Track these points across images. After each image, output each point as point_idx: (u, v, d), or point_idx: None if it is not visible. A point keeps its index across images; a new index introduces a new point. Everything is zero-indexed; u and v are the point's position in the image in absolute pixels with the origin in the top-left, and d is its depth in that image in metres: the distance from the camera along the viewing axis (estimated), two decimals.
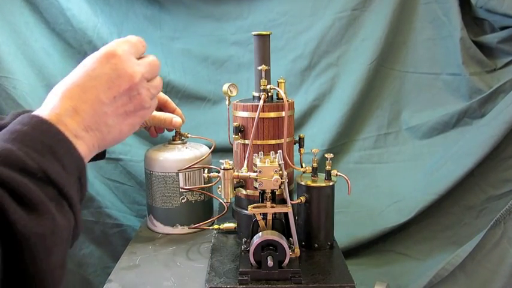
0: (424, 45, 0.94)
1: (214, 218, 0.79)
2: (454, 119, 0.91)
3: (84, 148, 0.36)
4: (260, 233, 0.61)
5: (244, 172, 0.62)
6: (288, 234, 0.63)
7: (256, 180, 0.60)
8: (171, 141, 0.81)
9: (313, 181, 0.68)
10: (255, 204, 0.63)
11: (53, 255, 0.30)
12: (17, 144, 0.31)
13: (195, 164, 0.76)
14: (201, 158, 0.77)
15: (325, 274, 0.61)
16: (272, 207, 0.62)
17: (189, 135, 0.83)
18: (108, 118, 0.38)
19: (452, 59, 0.91)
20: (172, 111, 0.77)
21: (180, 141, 0.81)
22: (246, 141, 0.69)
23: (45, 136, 0.33)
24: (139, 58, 0.41)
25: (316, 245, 0.69)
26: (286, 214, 0.63)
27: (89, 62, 0.39)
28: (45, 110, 0.36)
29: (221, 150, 0.92)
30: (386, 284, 0.67)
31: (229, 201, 0.63)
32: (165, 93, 0.87)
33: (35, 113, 0.35)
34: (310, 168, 0.69)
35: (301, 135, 0.72)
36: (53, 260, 0.30)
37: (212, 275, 0.62)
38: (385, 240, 0.92)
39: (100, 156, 0.66)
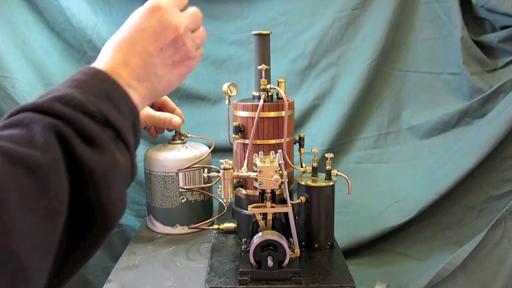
0: (425, 45, 0.94)
1: (214, 218, 0.79)
2: (454, 118, 0.91)
3: (137, 97, 0.39)
4: (260, 233, 0.61)
5: (244, 172, 0.62)
6: (288, 234, 0.63)
7: (256, 180, 0.60)
8: (171, 141, 0.81)
9: (313, 181, 0.68)
10: (255, 204, 0.63)
11: (113, 188, 0.32)
12: (78, 90, 0.33)
13: (194, 163, 0.76)
14: (200, 157, 0.77)
15: (325, 274, 0.61)
16: (272, 207, 0.62)
17: (188, 135, 0.83)
18: (157, 69, 0.40)
19: (453, 58, 0.91)
20: (172, 111, 0.77)
21: (179, 141, 0.81)
22: (246, 141, 0.68)
23: (103, 84, 0.35)
24: (182, 10, 0.43)
25: (317, 245, 0.69)
26: (286, 214, 0.62)
27: (136, 17, 0.41)
28: (100, 63, 0.38)
29: (221, 150, 0.92)
30: (387, 284, 0.66)
31: (229, 201, 0.63)
32: None
33: (91, 65, 0.38)
34: (310, 168, 0.69)
35: (301, 135, 0.72)
36: (114, 193, 0.33)
37: (212, 275, 0.62)
38: (385, 240, 0.91)
39: None
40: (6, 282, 0.25)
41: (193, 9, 0.44)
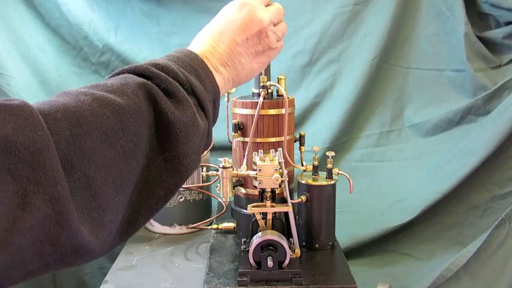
0: (428, 41, 0.93)
1: (212, 218, 0.78)
2: (458, 116, 0.90)
3: (221, 80, 0.44)
4: (260, 233, 0.60)
5: (243, 170, 0.62)
6: (288, 234, 0.62)
7: (255, 178, 0.59)
8: None
9: (314, 180, 0.67)
10: (254, 204, 0.62)
11: (192, 142, 0.36)
12: (172, 62, 0.39)
13: None
14: None
15: (326, 275, 0.61)
16: (272, 206, 0.61)
17: None
18: (242, 57, 0.46)
19: (457, 54, 0.90)
20: None
21: None
22: (246, 139, 0.67)
23: (193, 62, 0.41)
24: (267, 5, 0.48)
25: (317, 245, 0.68)
26: (286, 213, 0.62)
27: (227, 11, 0.47)
28: (192, 47, 0.44)
29: (220, 148, 0.91)
30: (389, 285, 0.66)
31: (228, 200, 0.63)
32: None
33: (186, 48, 0.44)
34: (311, 166, 0.68)
35: (301, 132, 0.71)
36: (191, 146, 0.36)
37: (211, 275, 0.61)
38: (387, 240, 0.90)
39: None
40: (82, 205, 0.28)
41: (277, 6, 0.50)
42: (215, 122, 0.43)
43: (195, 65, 0.40)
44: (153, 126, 0.34)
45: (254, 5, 0.46)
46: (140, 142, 0.33)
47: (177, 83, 0.36)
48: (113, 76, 0.37)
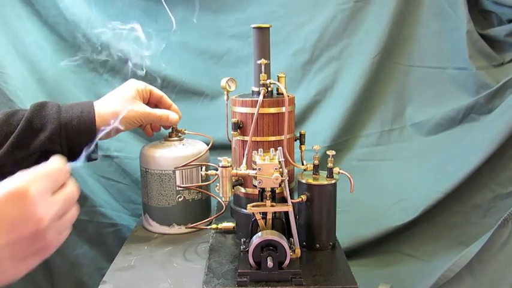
0: (430, 39, 0.92)
1: (212, 218, 0.78)
2: (460, 114, 0.89)
3: None
4: (259, 233, 0.60)
5: (243, 170, 0.61)
6: (288, 234, 0.62)
7: (255, 178, 0.59)
8: (168, 138, 0.80)
9: (314, 179, 0.67)
10: (254, 203, 0.61)
11: None
12: None
13: (192, 161, 0.75)
14: (198, 155, 0.76)
15: (327, 275, 0.60)
16: (272, 206, 0.60)
17: (186, 132, 0.81)
18: (4, 263, 0.35)
19: (459, 52, 0.89)
20: (168, 108, 0.76)
21: (176, 138, 0.79)
22: (245, 138, 0.67)
23: None
24: (57, 190, 0.38)
25: (318, 245, 0.67)
26: (286, 213, 0.61)
27: None
28: None
29: (219, 147, 0.90)
30: (391, 285, 0.66)
31: (227, 199, 0.62)
32: (161, 88, 0.86)
33: None
34: (312, 165, 0.68)
35: (302, 131, 0.71)
36: None
37: (210, 276, 0.60)
38: (389, 240, 0.90)
39: (92, 157, 0.67)
40: None
41: (68, 191, 0.39)
42: None
43: None
44: None
45: (34, 200, 0.35)
46: None
47: None
48: None
